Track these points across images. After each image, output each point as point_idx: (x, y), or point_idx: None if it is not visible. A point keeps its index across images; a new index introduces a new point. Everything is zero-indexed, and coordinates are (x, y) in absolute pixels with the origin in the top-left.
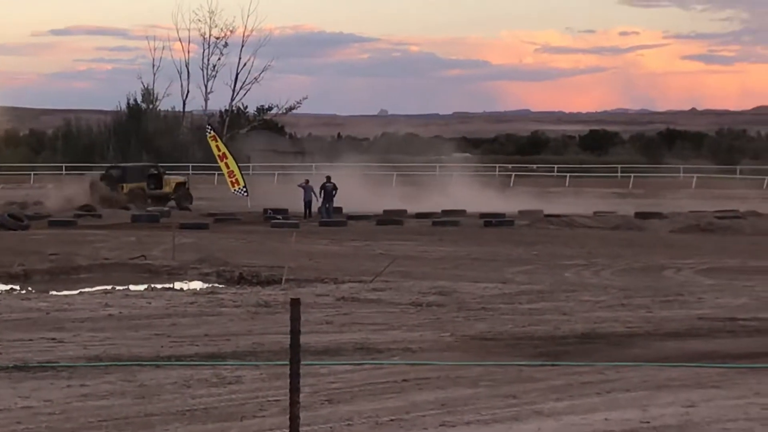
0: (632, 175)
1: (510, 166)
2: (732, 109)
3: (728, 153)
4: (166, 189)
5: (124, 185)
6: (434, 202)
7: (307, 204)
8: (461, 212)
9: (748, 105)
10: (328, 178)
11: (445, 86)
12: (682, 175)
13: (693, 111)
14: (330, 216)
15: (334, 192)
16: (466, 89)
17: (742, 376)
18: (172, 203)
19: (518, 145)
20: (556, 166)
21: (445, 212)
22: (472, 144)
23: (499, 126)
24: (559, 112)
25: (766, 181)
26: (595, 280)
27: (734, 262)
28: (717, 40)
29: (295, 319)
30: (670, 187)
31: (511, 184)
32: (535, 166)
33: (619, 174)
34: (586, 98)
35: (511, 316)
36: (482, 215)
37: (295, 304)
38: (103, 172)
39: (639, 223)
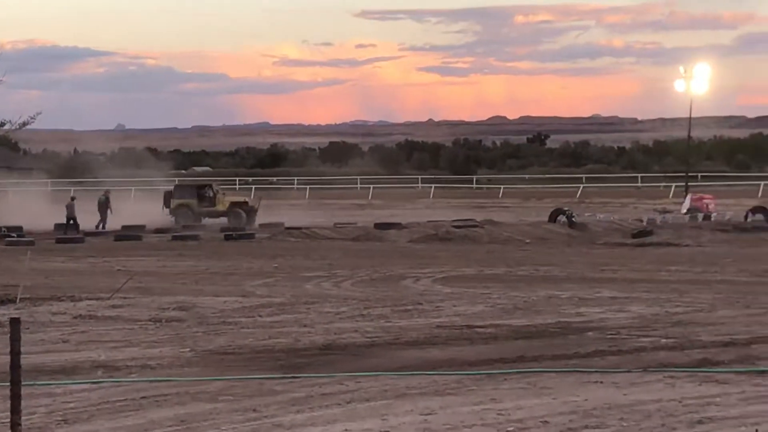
0: (371, 186)
1: (250, 179)
2: (468, 119)
3: (465, 163)
4: (219, 207)
5: (172, 201)
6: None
7: (69, 220)
8: (201, 226)
9: (483, 115)
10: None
11: (184, 100)
12: (420, 185)
13: (430, 122)
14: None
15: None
16: (205, 103)
17: (479, 382)
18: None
19: (258, 158)
20: (296, 178)
21: (185, 226)
22: (212, 157)
23: (240, 139)
24: (299, 125)
25: (501, 191)
26: (336, 292)
27: (471, 270)
28: (451, 52)
29: (15, 340)
30: (409, 198)
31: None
32: (275, 178)
33: (358, 185)
34: (325, 110)
35: (252, 330)
36: (222, 229)
37: (15, 324)
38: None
39: (378, 233)
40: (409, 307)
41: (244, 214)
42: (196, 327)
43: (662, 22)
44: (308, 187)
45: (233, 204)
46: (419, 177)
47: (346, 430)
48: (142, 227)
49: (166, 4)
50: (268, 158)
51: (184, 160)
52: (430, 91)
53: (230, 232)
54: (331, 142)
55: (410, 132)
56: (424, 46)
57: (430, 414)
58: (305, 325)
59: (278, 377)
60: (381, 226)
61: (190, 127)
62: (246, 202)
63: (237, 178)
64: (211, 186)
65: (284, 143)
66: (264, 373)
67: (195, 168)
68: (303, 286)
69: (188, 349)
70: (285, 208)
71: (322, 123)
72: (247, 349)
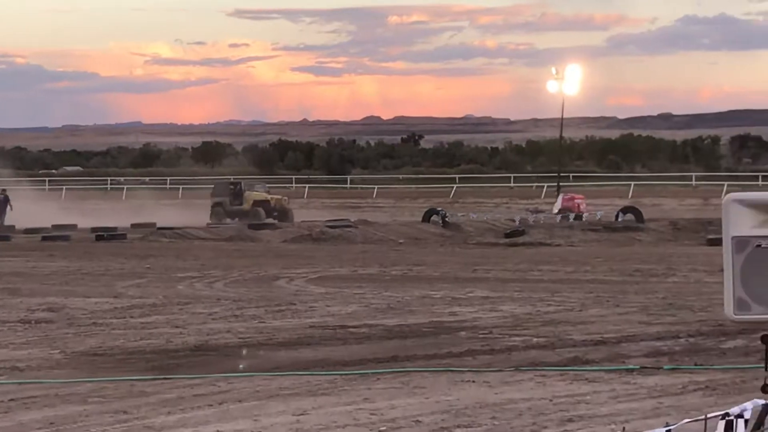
0: None
1: (122, 178)
2: (342, 119)
3: (339, 163)
4: (245, 206)
5: (211, 199)
6: (45, 217)
7: None
8: (72, 227)
9: (357, 115)
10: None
11: (54, 99)
12: (294, 185)
13: (304, 122)
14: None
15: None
16: (76, 101)
17: (352, 382)
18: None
19: (131, 158)
20: (169, 178)
21: (56, 227)
22: (83, 157)
23: (111, 138)
24: (172, 124)
25: (375, 191)
26: (209, 292)
27: (345, 270)
28: (325, 52)
29: None
30: None
31: (124, 197)
32: (147, 178)
33: None
34: (198, 110)
35: (123, 331)
36: (93, 229)
37: None
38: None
39: (251, 233)
40: (283, 308)
41: (263, 212)
42: (66, 328)
43: (534, 24)
44: (181, 187)
45: (255, 202)
46: (293, 177)
47: (217, 431)
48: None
49: (35, 2)
50: (141, 158)
51: (54, 159)
52: (304, 91)
53: (101, 233)
54: (204, 142)
55: (284, 132)
56: (298, 46)
57: (302, 414)
58: (177, 326)
59: (149, 379)
60: (254, 226)
61: (60, 126)
62: (268, 201)
63: (109, 178)
64: (240, 184)
65: (157, 143)
66: (135, 374)
67: (66, 168)
68: (175, 286)
69: (58, 351)
70: (157, 209)
71: (195, 122)
72: (118, 351)
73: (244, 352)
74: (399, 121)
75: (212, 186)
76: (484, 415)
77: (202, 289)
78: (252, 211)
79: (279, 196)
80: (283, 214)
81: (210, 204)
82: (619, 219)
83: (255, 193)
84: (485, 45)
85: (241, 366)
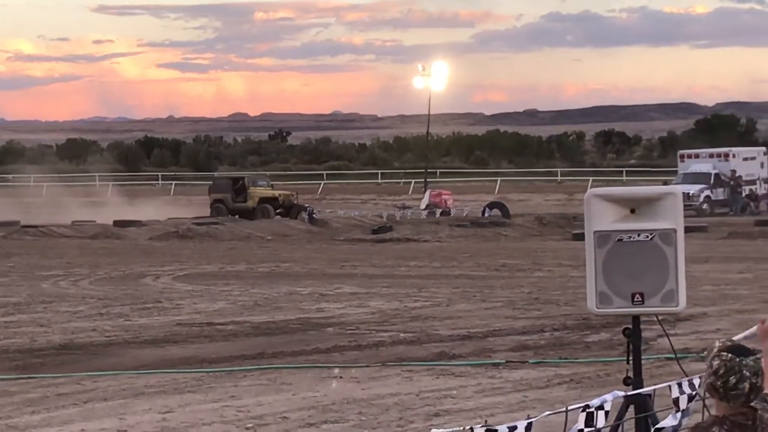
0: (110, 183)
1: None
2: (209, 116)
3: (206, 160)
4: (249, 203)
5: (210, 195)
6: None
7: None
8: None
9: (224, 112)
10: None
11: None
12: (160, 182)
13: (170, 118)
14: None
15: None
16: None
17: (219, 380)
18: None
19: None
20: (33, 175)
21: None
22: None
23: None
24: (36, 121)
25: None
26: (74, 291)
27: (212, 267)
28: (191, 49)
29: None
30: (150, 195)
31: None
32: (11, 176)
33: (97, 183)
34: (62, 107)
35: None
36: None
37: None
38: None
39: (118, 231)
40: (149, 305)
41: (272, 209)
42: None
43: (401, 20)
44: (45, 184)
45: (262, 199)
46: (159, 174)
47: (82, 430)
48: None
49: None
50: (3, 155)
51: None
52: (170, 88)
53: None
54: (68, 139)
55: (150, 128)
56: (164, 42)
57: (168, 412)
58: (42, 325)
59: (13, 378)
60: (120, 223)
61: None
62: (277, 198)
63: None
64: (244, 180)
65: (20, 140)
66: None
67: None
68: (40, 285)
69: None
70: (21, 207)
71: (60, 119)
72: None
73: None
74: (266, 117)
75: (210, 182)
76: (351, 410)
77: (67, 288)
78: (259, 208)
79: (287, 192)
80: (291, 210)
81: (209, 201)
82: (486, 214)
83: (260, 189)
84: (352, 42)
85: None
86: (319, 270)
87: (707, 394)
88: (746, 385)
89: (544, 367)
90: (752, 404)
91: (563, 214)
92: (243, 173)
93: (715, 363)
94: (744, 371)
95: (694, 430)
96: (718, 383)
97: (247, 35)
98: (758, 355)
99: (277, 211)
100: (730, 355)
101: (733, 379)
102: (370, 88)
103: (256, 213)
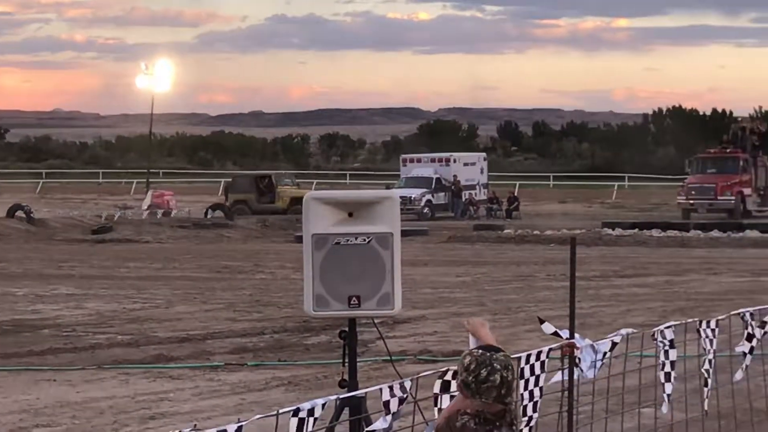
0: None
1: None
2: None
3: None
4: (279, 204)
5: (229, 196)
6: None
7: None
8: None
9: None
10: None
11: None
12: None
13: None
14: None
15: None
16: None
17: None
18: None
19: None
20: None
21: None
22: None
23: None
24: None
25: None
26: None
27: None
28: None
29: None
30: None
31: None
32: None
33: None
34: None
35: None
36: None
37: None
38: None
39: None
40: None
41: None
42: None
43: (123, 18)
44: None
45: (294, 199)
46: None
47: None
48: None
49: None
50: None
51: None
52: None
53: None
54: None
55: None
56: None
57: None
58: None
59: None
60: None
61: None
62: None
63: None
64: (271, 178)
65: None
66: None
67: None
68: None
69: None
70: None
71: None
72: None
73: None
74: None
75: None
76: (64, 414)
77: None
78: (292, 209)
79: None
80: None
81: (229, 202)
82: (209, 216)
83: (289, 188)
84: (73, 38)
85: None
86: (36, 270)
87: (460, 392)
88: (497, 377)
89: (262, 369)
90: (505, 401)
91: (287, 217)
92: (267, 171)
93: (467, 360)
94: (495, 364)
95: (446, 423)
96: (470, 378)
97: None
98: (507, 353)
99: None
100: (480, 351)
101: (484, 372)
102: (92, 85)
103: (288, 214)
